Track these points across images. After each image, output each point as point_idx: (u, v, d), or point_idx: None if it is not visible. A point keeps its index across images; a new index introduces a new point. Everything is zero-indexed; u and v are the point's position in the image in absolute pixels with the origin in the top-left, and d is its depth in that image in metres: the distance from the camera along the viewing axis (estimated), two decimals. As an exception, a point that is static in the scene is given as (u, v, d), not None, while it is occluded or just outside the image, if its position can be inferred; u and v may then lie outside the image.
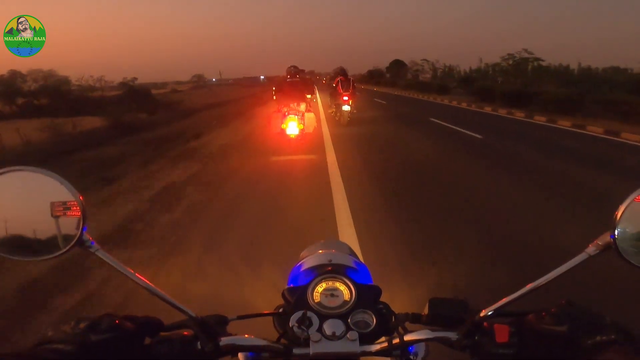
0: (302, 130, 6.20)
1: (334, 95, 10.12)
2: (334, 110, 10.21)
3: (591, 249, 0.44)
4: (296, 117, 6.12)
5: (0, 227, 0.46)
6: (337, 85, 9.66)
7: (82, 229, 0.46)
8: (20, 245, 0.47)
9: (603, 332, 0.39)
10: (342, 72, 10.16)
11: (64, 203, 0.46)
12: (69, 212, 0.46)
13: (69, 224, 0.46)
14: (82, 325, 0.42)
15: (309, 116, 6.31)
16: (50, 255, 0.46)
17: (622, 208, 0.42)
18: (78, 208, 0.46)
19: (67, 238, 0.46)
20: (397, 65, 70.13)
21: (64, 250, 0.46)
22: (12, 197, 0.47)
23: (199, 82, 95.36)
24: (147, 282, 0.48)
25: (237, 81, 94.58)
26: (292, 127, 6.07)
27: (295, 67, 6.95)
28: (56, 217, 0.46)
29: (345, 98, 9.29)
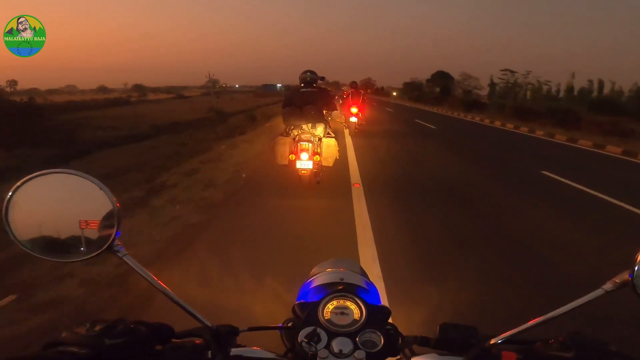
0: (317, 164, 4.33)
1: (344, 106, 10.46)
2: (343, 120, 10.60)
3: (608, 286, 0.46)
4: (309, 145, 4.24)
5: (35, 226, 0.47)
6: (347, 97, 10.33)
7: (115, 234, 0.48)
8: (52, 246, 0.48)
9: (608, 358, 0.41)
10: (353, 85, 10.72)
11: (100, 207, 0.48)
12: (104, 218, 0.48)
13: (103, 228, 0.48)
14: (96, 328, 0.43)
15: (329, 143, 4.41)
16: (80, 259, 0.48)
17: None
18: (114, 213, 0.48)
19: (99, 242, 0.48)
20: (441, 78, 61.08)
21: (94, 254, 0.48)
22: (52, 198, 0.48)
23: (212, 88, 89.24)
24: (168, 289, 0.49)
25: (254, 89, 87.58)
26: (303, 160, 4.22)
27: (312, 72, 4.65)
28: (91, 222, 0.48)
29: (354, 110, 9.78)
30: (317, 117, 4.45)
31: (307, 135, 4.37)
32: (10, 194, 0.46)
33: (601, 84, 21.71)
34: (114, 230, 0.47)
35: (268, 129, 11.07)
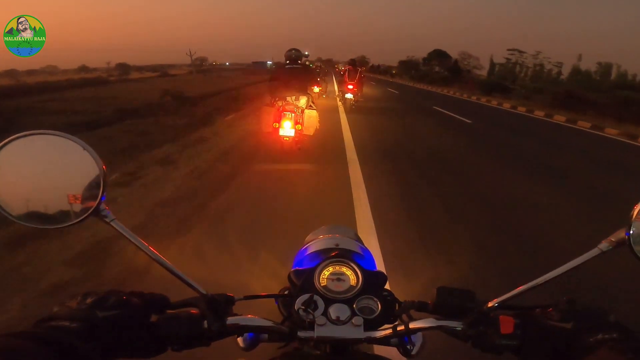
0: (299, 132, 4.82)
1: (341, 83, 10.90)
2: (340, 97, 10.84)
3: (604, 245, 0.45)
4: (292, 114, 4.72)
5: (18, 192, 0.46)
6: (344, 74, 10.33)
7: (101, 199, 0.46)
8: (37, 211, 0.46)
9: (605, 330, 0.41)
10: (350, 62, 10.69)
11: (86, 170, 0.46)
12: (89, 180, 0.46)
13: (88, 192, 0.46)
14: (88, 300, 0.42)
15: (310, 114, 4.86)
16: (65, 224, 0.46)
17: (637, 206, 0.43)
18: (100, 177, 0.46)
19: (84, 207, 0.46)
20: (438, 57, 58.93)
21: (80, 218, 0.46)
22: (34, 161, 0.46)
23: (201, 66, 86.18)
24: (161, 256, 0.48)
25: (244, 67, 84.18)
26: (286, 128, 4.71)
27: (296, 50, 5.15)
28: (76, 185, 0.46)
29: (350, 87, 9.89)
30: (300, 91, 4.96)
31: (290, 107, 4.78)
32: None
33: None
34: (100, 194, 0.46)
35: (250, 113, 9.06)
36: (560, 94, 14.38)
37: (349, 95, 10.03)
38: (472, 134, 7.75)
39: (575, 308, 0.44)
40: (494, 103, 16.14)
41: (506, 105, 14.84)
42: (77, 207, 0.46)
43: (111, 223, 0.47)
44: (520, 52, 32.93)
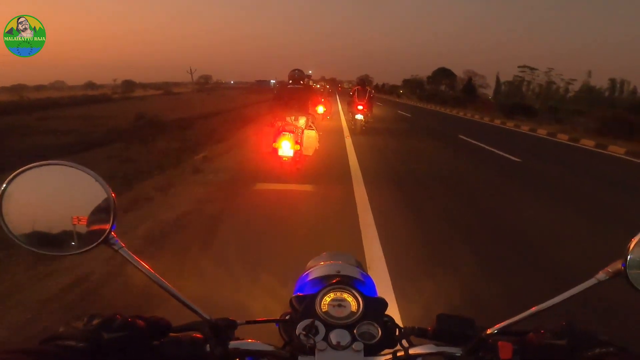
0: (297, 152, 4.81)
1: (350, 104, 10.12)
2: (349, 118, 10.29)
3: (601, 275, 0.46)
4: (291, 135, 4.69)
5: (30, 220, 0.47)
6: (353, 94, 9.82)
7: (111, 228, 0.47)
8: (47, 240, 0.47)
9: (600, 346, 0.42)
10: (359, 81, 10.65)
11: (96, 200, 0.47)
12: (100, 210, 0.47)
13: (99, 221, 0.47)
14: (94, 322, 0.42)
15: (309, 134, 4.89)
16: (75, 252, 0.47)
17: (635, 239, 0.44)
18: (110, 206, 0.47)
19: (94, 235, 0.47)
20: (443, 75, 57.73)
21: (90, 247, 0.47)
22: (47, 191, 0.47)
23: (205, 85, 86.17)
24: (166, 282, 0.49)
25: (249, 85, 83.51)
26: (285, 148, 4.68)
27: (299, 70, 5.24)
28: (86, 214, 0.47)
29: (360, 107, 9.42)
30: (300, 110, 5.02)
31: (289, 127, 4.81)
32: (4, 186, 0.45)
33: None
34: (110, 224, 0.47)
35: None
36: (607, 118, 12.18)
37: (359, 117, 9.57)
38: (539, 185, 5.45)
39: (569, 329, 0.45)
40: (524, 129, 13.89)
41: (541, 132, 12.64)
42: (87, 236, 0.47)
43: (120, 251, 0.48)
44: (531, 69, 31.02)
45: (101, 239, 0.46)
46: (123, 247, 0.48)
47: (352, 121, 9.96)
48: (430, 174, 5.88)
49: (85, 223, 0.46)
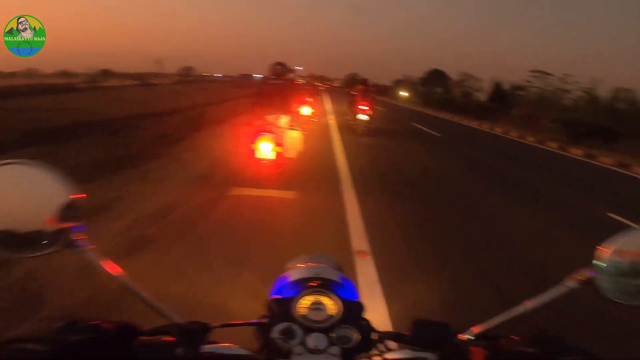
0: (279, 155, 4.39)
1: (352, 104, 10.03)
2: (351, 117, 10.10)
3: (570, 282, 0.47)
4: (272, 135, 4.27)
5: None
6: (356, 94, 9.73)
7: (76, 228, 0.45)
8: (10, 240, 0.45)
9: (569, 353, 0.43)
10: (362, 81, 10.44)
11: (62, 200, 0.45)
12: (65, 210, 0.45)
13: (64, 222, 0.45)
14: (57, 325, 0.41)
15: (292, 135, 4.57)
16: (40, 253, 0.45)
17: (603, 247, 0.45)
18: (76, 206, 0.45)
19: (60, 236, 0.45)
20: (436, 77, 56.12)
21: (55, 248, 0.45)
22: (9, 190, 0.45)
23: (187, 77, 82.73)
24: (134, 285, 0.47)
25: (233, 79, 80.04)
26: (264, 150, 4.27)
27: (282, 64, 4.76)
28: (52, 215, 0.45)
29: (364, 107, 9.35)
30: (282, 109, 4.55)
31: (269, 126, 4.40)
32: None
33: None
34: (76, 224, 0.45)
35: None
36: None
37: (363, 117, 9.44)
38: None
39: (540, 336, 0.45)
40: (637, 171, 8.77)
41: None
42: (52, 237, 0.45)
43: (85, 254, 0.46)
44: (545, 74, 28.88)
45: (66, 241, 0.45)
46: (89, 249, 0.46)
47: (352, 121, 9.89)
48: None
49: (48, 224, 0.44)
